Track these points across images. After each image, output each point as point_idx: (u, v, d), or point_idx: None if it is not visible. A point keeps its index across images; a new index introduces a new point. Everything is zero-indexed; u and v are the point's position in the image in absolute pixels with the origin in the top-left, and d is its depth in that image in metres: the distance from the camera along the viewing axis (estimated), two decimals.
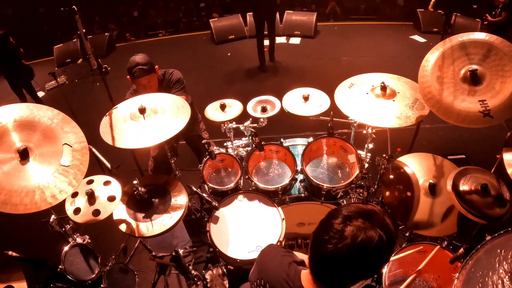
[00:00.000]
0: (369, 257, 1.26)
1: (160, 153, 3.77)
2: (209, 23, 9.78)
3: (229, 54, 8.99)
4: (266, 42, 8.06)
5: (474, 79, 2.36)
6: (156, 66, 3.38)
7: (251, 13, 8.28)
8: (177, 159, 3.44)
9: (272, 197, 3.05)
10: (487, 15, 5.83)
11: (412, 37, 9.06)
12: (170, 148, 3.27)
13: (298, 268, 1.54)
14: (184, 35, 10.94)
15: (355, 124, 3.33)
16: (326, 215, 1.37)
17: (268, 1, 7.26)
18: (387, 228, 1.30)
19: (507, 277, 1.56)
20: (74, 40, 9.71)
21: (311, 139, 3.24)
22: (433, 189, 2.58)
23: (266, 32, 7.80)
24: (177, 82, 3.52)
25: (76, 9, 6.54)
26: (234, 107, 3.57)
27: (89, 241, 2.93)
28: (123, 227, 2.62)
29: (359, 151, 3.10)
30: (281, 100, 3.50)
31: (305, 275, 1.48)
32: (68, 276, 2.62)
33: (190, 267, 2.75)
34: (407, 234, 3.02)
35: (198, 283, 2.85)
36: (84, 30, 7.61)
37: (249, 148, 3.61)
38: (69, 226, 2.83)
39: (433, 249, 2.47)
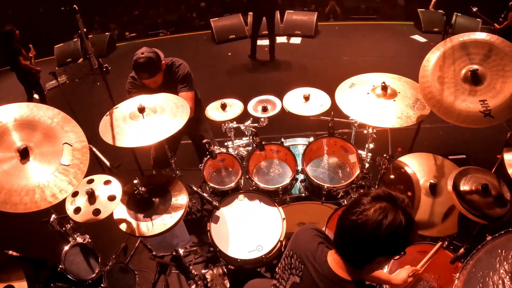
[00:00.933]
0: (385, 236, 1.38)
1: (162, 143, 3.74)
2: (209, 23, 9.78)
3: (229, 53, 8.99)
4: (266, 42, 8.09)
5: (474, 79, 2.36)
6: (163, 61, 3.27)
7: (251, 10, 8.27)
8: (177, 159, 3.45)
9: (273, 197, 3.05)
10: (495, 24, 5.80)
11: (413, 37, 9.06)
12: (171, 148, 3.26)
13: (326, 248, 1.67)
14: (185, 34, 10.94)
15: (355, 124, 3.33)
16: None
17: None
18: (408, 214, 1.42)
19: (507, 277, 1.55)
20: (74, 40, 9.71)
21: (311, 139, 3.24)
22: (433, 189, 2.58)
23: (266, 32, 7.84)
24: (184, 78, 3.38)
25: (77, 8, 6.53)
26: (234, 106, 3.57)
27: (90, 240, 2.93)
28: (123, 227, 2.62)
29: (359, 151, 3.10)
30: (281, 100, 3.50)
31: (331, 254, 1.62)
32: (69, 276, 2.62)
33: (191, 267, 2.75)
34: None
35: (199, 282, 2.84)
36: (85, 30, 7.60)
37: (249, 148, 3.61)
38: (69, 226, 2.83)
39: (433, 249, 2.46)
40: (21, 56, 6.40)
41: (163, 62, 3.28)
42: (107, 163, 2.98)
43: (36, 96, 6.97)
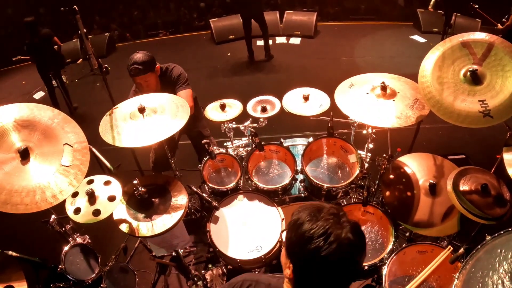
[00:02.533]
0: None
1: (162, 146, 3.75)
2: (209, 23, 9.79)
3: (229, 54, 8.99)
4: (262, 42, 8.13)
5: (474, 79, 2.37)
6: (157, 65, 3.34)
7: (239, 13, 8.39)
8: (177, 159, 3.45)
9: (272, 197, 3.05)
10: (498, 24, 5.80)
11: (412, 37, 9.06)
12: (170, 148, 3.26)
13: (282, 279, 1.44)
14: (184, 35, 10.94)
15: (355, 124, 3.33)
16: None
17: (252, 1, 7.41)
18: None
19: (507, 277, 1.56)
20: (74, 40, 9.70)
21: (311, 139, 3.24)
22: (433, 189, 2.58)
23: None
24: (179, 77, 3.45)
25: (76, 8, 6.54)
26: (234, 107, 3.57)
27: (89, 241, 2.93)
28: (123, 227, 2.62)
29: (359, 151, 3.10)
30: (281, 100, 3.51)
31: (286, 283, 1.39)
32: (68, 276, 2.62)
33: (190, 267, 2.75)
34: (407, 234, 3.02)
35: (198, 283, 2.84)
36: (85, 30, 7.59)
37: (249, 148, 3.61)
38: (69, 226, 2.83)
39: (432, 249, 2.47)
40: (55, 37, 6.47)
41: (157, 66, 3.34)
42: (108, 164, 2.98)
43: (54, 83, 6.80)
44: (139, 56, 3.21)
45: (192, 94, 3.42)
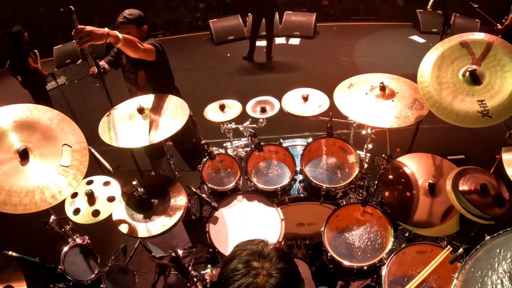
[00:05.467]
0: None
1: None
2: (208, 24, 9.80)
3: (228, 55, 9.00)
4: (264, 43, 8.10)
5: (473, 79, 2.37)
6: (145, 26, 3.42)
7: (251, 11, 8.29)
8: (176, 159, 3.45)
9: (272, 198, 3.05)
10: (497, 25, 5.81)
11: (412, 37, 9.07)
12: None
13: None
14: (184, 35, 10.94)
15: (354, 125, 3.33)
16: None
17: (267, 1, 7.32)
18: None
19: (506, 277, 1.55)
20: (73, 41, 9.70)
21: (310, 140, 3.24)
22: (432, 189, 2.59)
23: (264, 33, 7.86)
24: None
25: (73, 9, 6.52)
26: (233, 107, 3.58)
27: (89, 241, 2.93)
28: (122, 228, 2.62)
29: (358, 152, 3.10)
30: (280, 101, 3.51)
31: None
32: (68, 277, 2.62)
33: (190, 268, 2.75)
34: (406, 234, 3.03)
35: (198, 283, 2.84)
36: None
37: (248, 149, 3.61)
38: (68, 227, 2.83)
39: (431, 249, 2.47)
40: (30, 58, 6.16)
41: (145, 26, 3.45)
42: (107, 165, 2.98)
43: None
44: (128, 10, 3.35)
45: (153, 49, 3.24)
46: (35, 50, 6.47)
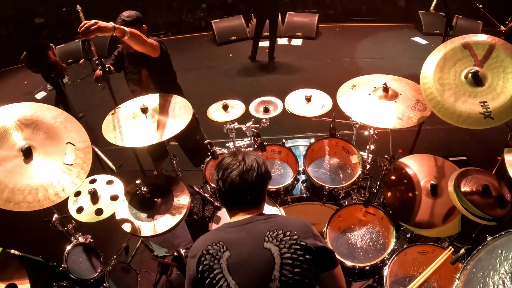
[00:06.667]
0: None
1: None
2: (211, 24, 9.81)
3: (230, 55, 9.01)
4: (267, 43, 8.11)
5: (475, 80, 2.37)
6: (144, 25, 3.41)
7: (254, 13, 8.28)
8: (179, 159, 3.45)
9: (274, 197, 3.06)
10: (501, 26, 5.80)
11: (414, 38, 9.07)
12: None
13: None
14: (186, 36, 10.95)
15: (357, 125, 3.34)
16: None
17: (272, 1, 7.32)
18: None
19: (508, 277, 1.56)
20: (76, 41, 9.71)
21: (313, 140, 3.25)
22: (434, 190, 2.59)
23: (266, 34, 7.86)
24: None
25: (80, 8, 6.52)
26: (236, 107, 3.58)
27: (91, 240, 2.94)
28: (125, 227, 2.63)
29: (361, 152, 3.11)
30: (283, 101, 3.51)
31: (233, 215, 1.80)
32: (71, 275, 2.63)
33: None
34: (408, 235, 3.03)
35: None
36: None
37: (251, 149, 3.61)
38: (71, 226, 2.84)
39: (433, 250, 2.47)
40: (50, 50, 6.14)
41: (144, 26, 3.43)
42: (110, 164, 2.99)
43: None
44: (126, 12, 3.36)
45: (158, 45, 3.31)
46: (51, 44, 6.42)
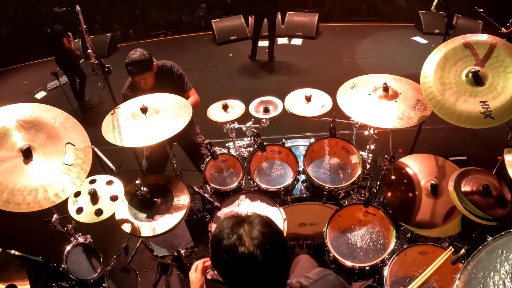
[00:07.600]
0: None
1: (153, 153, 3.76)
2: (211, 24, 9.81)
3: (230, 55, 9.01)
4: (267, 43, 8.11)
5: (476, 80, 2.37)
6: (154, 63, 3.39)
7: (252, 13, 8.28)
8: (179, 159, 3.45)
9: (274, 198, 3.05)
10: (502, 28, 5.80)
11: (414, 38, 9.06)
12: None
13: None
14: (186, 35, 10.95)
15: (357, 125, 3.34)
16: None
17: (270, 0, 7.32)
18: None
19: (508, 277, 1.56)
20: (75, 40, 9.71)
21: (313, 140, 3.24)
22: (434, 190, 2.59)
23: (266, 33, 7.86)
24: (183, 76, 3.62)
25: (79, 9, 6.55)
26: (236, 107, 3.58)
27: (91, 240, 2.94)
28: (125, 227, 2.63)
29: (361, 152, 3.10)
30: (283, 101, 3.51)
31: None
32: (71, 275, 2.63)
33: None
34: (408, 235, 3.03)
35: None
36: (85, 26, 7.56)
37: (251, 149, 3.61)
38: (71, 226, 2.84)
39: (433, 250, 2.47)
40: (65, 38, 6.49)
41: (155, 63, 3.39)
42: (110, 164, 2.99)
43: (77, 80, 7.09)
44: (137, 55, 3.25)
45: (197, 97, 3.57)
46: (69, 33, 6.78)
